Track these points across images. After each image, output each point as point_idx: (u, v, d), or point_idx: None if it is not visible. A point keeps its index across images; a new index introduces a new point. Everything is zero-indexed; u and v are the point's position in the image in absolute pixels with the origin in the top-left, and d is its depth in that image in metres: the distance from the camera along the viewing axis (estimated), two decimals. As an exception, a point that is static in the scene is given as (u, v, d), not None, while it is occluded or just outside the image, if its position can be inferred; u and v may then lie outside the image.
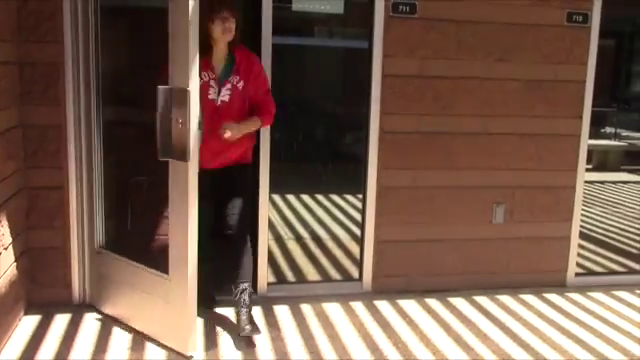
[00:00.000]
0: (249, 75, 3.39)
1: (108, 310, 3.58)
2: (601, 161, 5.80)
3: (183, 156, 2.96)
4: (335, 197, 4.73)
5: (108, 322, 3.49)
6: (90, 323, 3.48)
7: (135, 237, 4.14)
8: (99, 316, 3.56)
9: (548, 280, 4.35)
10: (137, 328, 3.40)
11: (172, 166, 3.08)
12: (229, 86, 3.33)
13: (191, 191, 3.00)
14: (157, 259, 3.35)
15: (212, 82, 3.32)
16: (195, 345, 3.21)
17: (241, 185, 3.48)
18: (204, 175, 3.12)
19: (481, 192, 4.15)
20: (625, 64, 5.95)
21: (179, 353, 3.17)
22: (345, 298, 3.98)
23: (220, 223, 3.41)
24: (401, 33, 3.89)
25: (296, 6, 3.89)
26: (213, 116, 3.25)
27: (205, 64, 3.20)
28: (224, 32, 3.26)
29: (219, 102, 3.32)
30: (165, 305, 3.21)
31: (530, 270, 4.33)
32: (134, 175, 4.15)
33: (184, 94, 2.90)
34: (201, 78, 3.16)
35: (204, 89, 3.24)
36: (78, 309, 3.63)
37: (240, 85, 3.36)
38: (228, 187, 3.42)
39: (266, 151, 3.79)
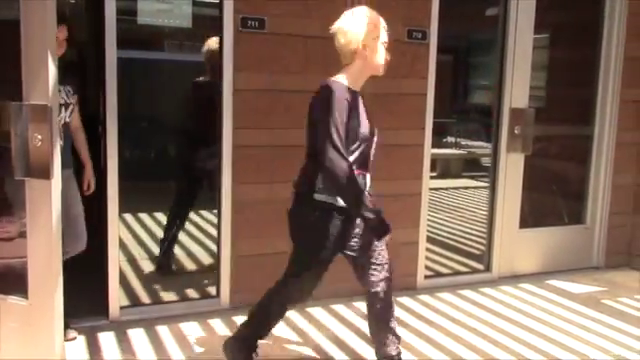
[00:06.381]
0: None
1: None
2: (444, 169, 6.17)
3: (45, 174, 2.84)
4: (190, 214, 4.63)
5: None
6: None
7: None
8: None
9: (400, 284, 4.52)
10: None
11: (29, 185, 2.92)
12: None
13: (54, 210, 2.88)
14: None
15: None
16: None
17: None
18: None
19: (334, 203, 4.25)
20: (462, 78, 6.38)
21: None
22: (203, 316, 3.90)
23: None
24: (251, 48, 3.90)
25: (142, 19, 3.78)
26: None
27: None
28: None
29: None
30: (24, 331, 3.02)
31: (383, 276, 4.49)
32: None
33: (43, 110, 2.78)
34: None
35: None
36: None
37: None
38: None
39: (114, 168, 3.64)
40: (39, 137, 2.81)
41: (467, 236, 5.50)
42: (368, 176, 2.99)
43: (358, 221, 2.88)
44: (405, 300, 4.37)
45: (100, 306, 3.77)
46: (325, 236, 2.88)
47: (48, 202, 2.89)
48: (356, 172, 2.85)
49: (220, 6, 3.83)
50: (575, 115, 5.50)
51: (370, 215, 2.77)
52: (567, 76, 5.50)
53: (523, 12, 4.70)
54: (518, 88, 4.77)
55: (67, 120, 3.37)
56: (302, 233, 2.97)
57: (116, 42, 3.56)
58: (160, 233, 4.40)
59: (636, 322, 4.13)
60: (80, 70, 5.76)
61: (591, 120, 5.25)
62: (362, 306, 4.18)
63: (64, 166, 3.25)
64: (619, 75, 5.11)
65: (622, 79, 5.12)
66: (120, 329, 3.66)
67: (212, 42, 4.05)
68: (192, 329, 3.73)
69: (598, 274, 5.13)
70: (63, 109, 3.31)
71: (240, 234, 4.02)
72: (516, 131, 4.77)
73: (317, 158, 2.80)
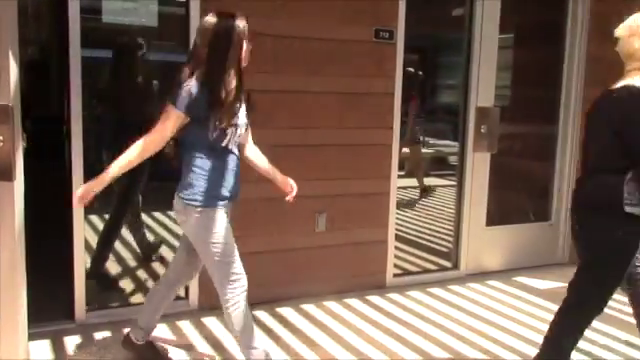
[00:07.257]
0: None
1: None
2: (411, 168, 6.23)
3: (7, 176, 2.78)
4: (158, 215, 4.59)
5: None
6: None
7: None
8: None
9: (370, 283, 4.56)
10: None
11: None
12: None
13: (17, 213, 2.83)
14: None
15: None
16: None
17: None
18: None
19: (303, 202, 4.22)
20: (429, 77, 6.44)
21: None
22: (172, 317, 3.86)
23: None
24: (218, 47, 3.87)
25: (107, 18, 3.73)
26: None
27: None
28: None
29: None
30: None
31: (353, 274, 4.51)
32: None
33: (5, 110, 2.72)
34: None
35: None
36: None
37: None
38: None
39: (79, 169, 3.58)
40: (0, 138, 2.75)
41: (435, 234, 5.55)
42: None
43: None
44: (374, 298, 4.39)
45: (66, 309, 3.71)
46: (631, 252, 2.74)
47: (11, 205, 2.84)
48: None
49: (186, 5, 3.80)
50: (540, 114, 5.58)
51: None
52: (532, 76, 5.58)
53: (488, 13, 4.76)
54: (484, 87, 4.83)
55: (236, 139, 3.07)
56: (605, 250, 2.79)
57: (80, 41, 3.51)
58: (127, 234, 4.34)
59: (599, 317, 4.20)
60: (43, 70, 5.66)
61: (555, 119, 5.33)
62: (332, 306, 4.20)
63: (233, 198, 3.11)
64: (582, 75, 5.20)
65: (585, 79, 5.22)
66: (87, 331, 3.61)
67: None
68: (160, 331, 3.69)
69: (563, 270, 5.18)
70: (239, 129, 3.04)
71: (209, 235, 3.98)
72: (482, 130, 4.83)
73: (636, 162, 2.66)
